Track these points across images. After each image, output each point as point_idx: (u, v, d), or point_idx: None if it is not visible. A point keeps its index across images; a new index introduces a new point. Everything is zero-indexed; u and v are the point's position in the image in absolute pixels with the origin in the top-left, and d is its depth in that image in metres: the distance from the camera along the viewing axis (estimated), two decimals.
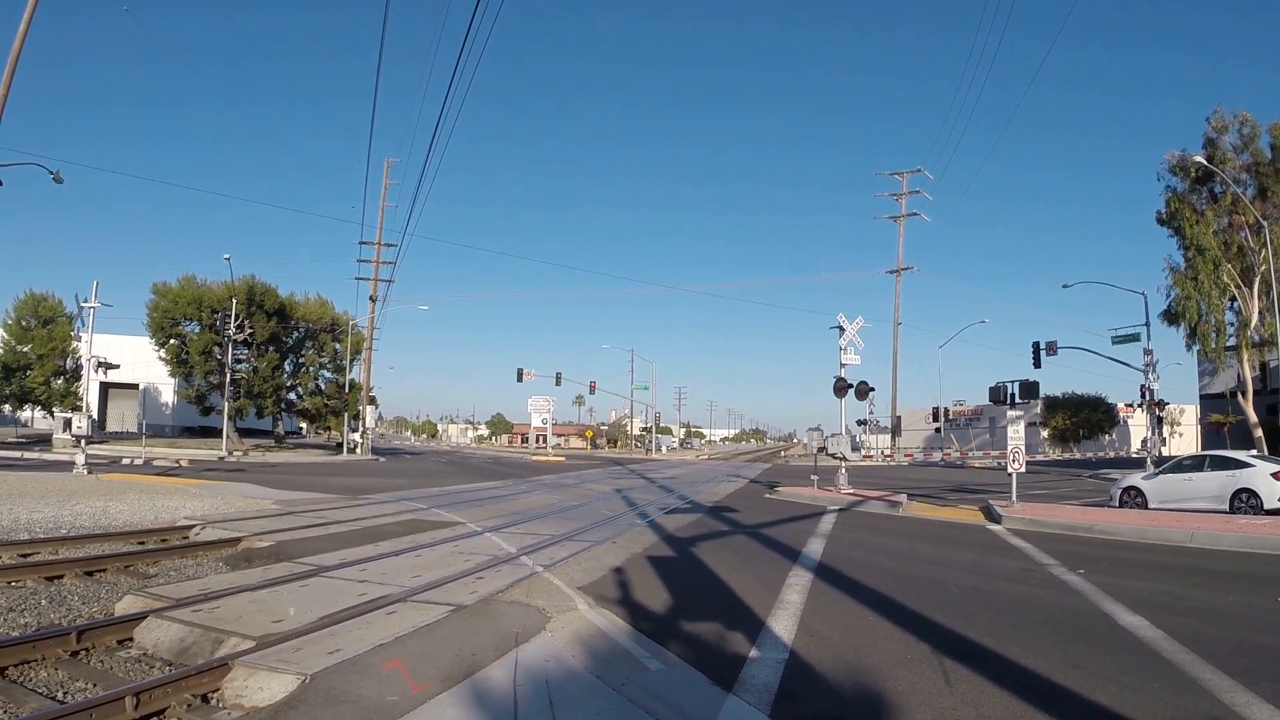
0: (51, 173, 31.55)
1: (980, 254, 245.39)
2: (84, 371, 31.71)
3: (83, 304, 33.63)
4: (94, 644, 7.55)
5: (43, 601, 9.32)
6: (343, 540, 14.21)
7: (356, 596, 9.23)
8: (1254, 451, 29.43)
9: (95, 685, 6.57)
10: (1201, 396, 70.50)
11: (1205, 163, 43.10)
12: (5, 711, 6.00)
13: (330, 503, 21.19)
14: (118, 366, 37.00)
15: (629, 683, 6.48)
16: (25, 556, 12.16)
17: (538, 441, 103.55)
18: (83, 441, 29.95)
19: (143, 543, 14.02)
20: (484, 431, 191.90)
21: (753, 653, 7.49)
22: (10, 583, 10.18)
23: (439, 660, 6.86)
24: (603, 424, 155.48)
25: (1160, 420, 44.36)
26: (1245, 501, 20.59)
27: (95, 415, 32.01)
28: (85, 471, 28.47)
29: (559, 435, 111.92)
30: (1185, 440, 75.64)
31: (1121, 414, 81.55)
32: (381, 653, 7.00)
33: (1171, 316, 47.89)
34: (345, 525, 16.47)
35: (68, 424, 31.60)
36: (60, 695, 6.39)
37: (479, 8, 13.03)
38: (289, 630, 7.56)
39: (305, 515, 17.87)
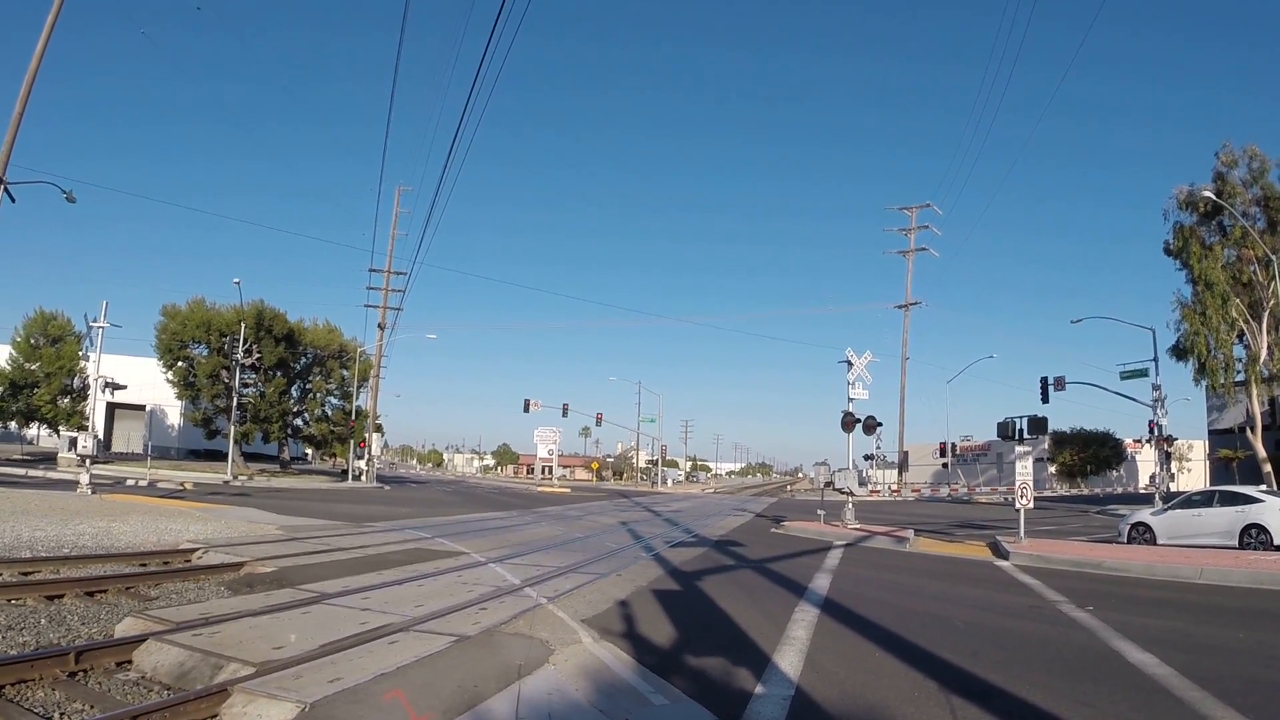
0: (64, 191, 31.77)
1: (989, 288, 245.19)
2: (91, 391, 31.76)
3: (92, 324, 33.88)
4: (92, 665, 7.48)
5: (42, 621, 9.27)
6: (346, 568, 14.17)
7: (359, 625, 9.15)
8: (1263, 487, 29.27)
9: (93, 707, 6.51)
10: (1210, 432, 70.24)
11: (1214, 197, 43.21)
12: None
13: (334, 530, 21.15)
14: (125, 387, 37.12)
15: (632, 718, 6.43)
16: (26, 575, 12.13)
17: (543, 472, 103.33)
18: (88, 461, 30.04)
19: (145, 565, 13.96)
20: (490, 461, 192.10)
21: (758, 689, 7.43)
22: (10, 601, 10.14)
23: (441, 691, 6.78)
24: (609, 456, 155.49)
25: (1168, 456, 44.15)
26: (1255, 537, 20.48)
27: (101, 435, 32.04)
28: (89, 491, 28.42)
29: (565, 466, 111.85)
30: (1194, 476, 75.33)
31: (1129, 449, 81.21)
32: (383, 682, 6.91)
33: (1180, 352, 47.88)
34: (349, 553, 16.41)
35: (73, 443, 31.79)
36: (56, 716, 6.35)
37: (491, 40, 13.12)
38: (290, 657, 7.49)
39: (309, 541, 17.83)
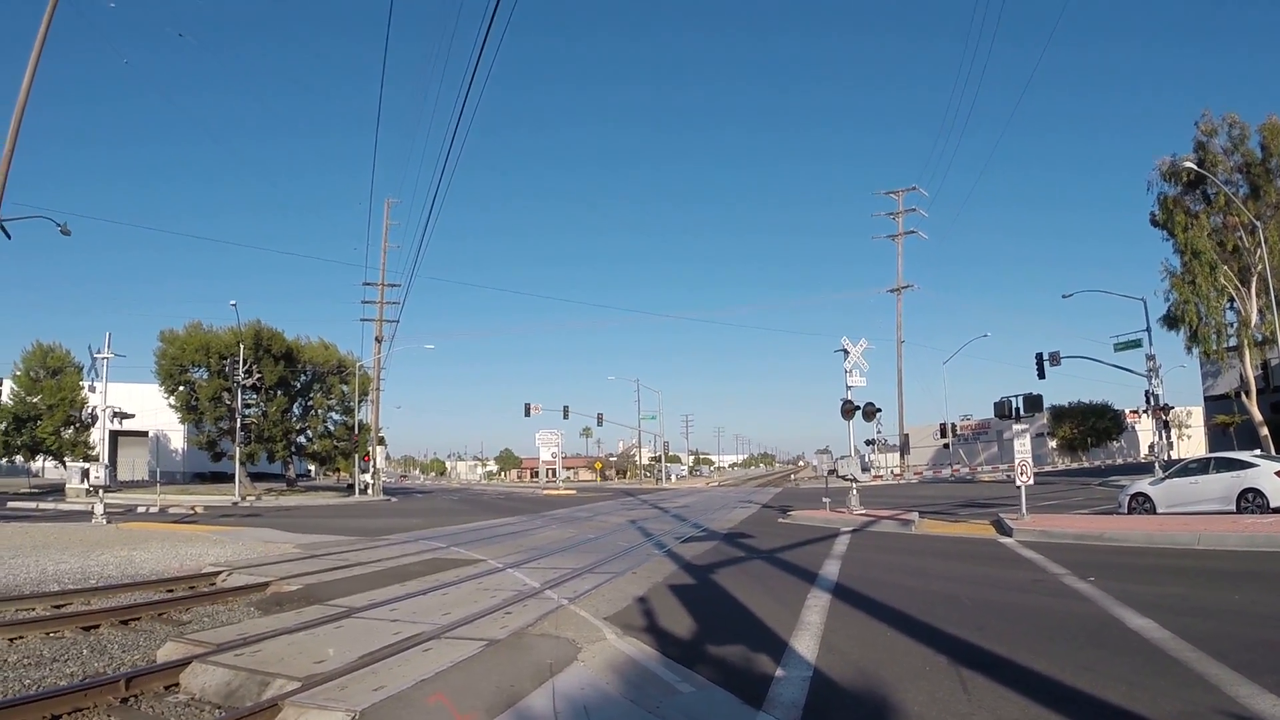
0: (59, 225, 32.07)
1: (979, 267, 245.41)
2: (101, 422, 32.06)
3: (96, 355, 34.10)
4: (142, 690, 7.68)
5: (84, 651, 9.45)
6: (369, 581, 14.38)
7: (391, 635, 9.39)
8: (1258, 451, 29.67)
9: None
10: (1206, 398, 70.62)
11: (1196, 167, 43.57)
12: None
13: (350, 545, 21.38)
14: (133, 416, 37.41)
15: (663, 706, 6.71)
16: (59, 608, 12.32)
17: (548, 475, 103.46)
18: (100, 491, 30.25)
19: (171, 590, 14.14)
20: (493, 467, 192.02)
21: (778, 672, 7.76)
22: (49, 634, 10.35)
23: (481, 692, 7.07)
24: (611, 455, 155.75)
25: (1166, 424, 44.45)
26: (1251, 501, 20.77)
27: (108, 464, 32.32)
28: (104, 521, 28.70)
29: (568, 468, 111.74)
30: (1193, 443, 75.59)
31: (1128, 420, 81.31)
32: (424, 687, 7.19)
33: (1171, 320, 48.24)
34: (369, 566, 16.66)
35: (85, 474, 31.99)
36: None
37: (482, 52, 13.40)
38: (332, 670, 7.74)
39: (328, 558, 18.04)
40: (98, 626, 10.91)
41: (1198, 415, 77.23)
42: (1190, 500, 22.11)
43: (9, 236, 31.25)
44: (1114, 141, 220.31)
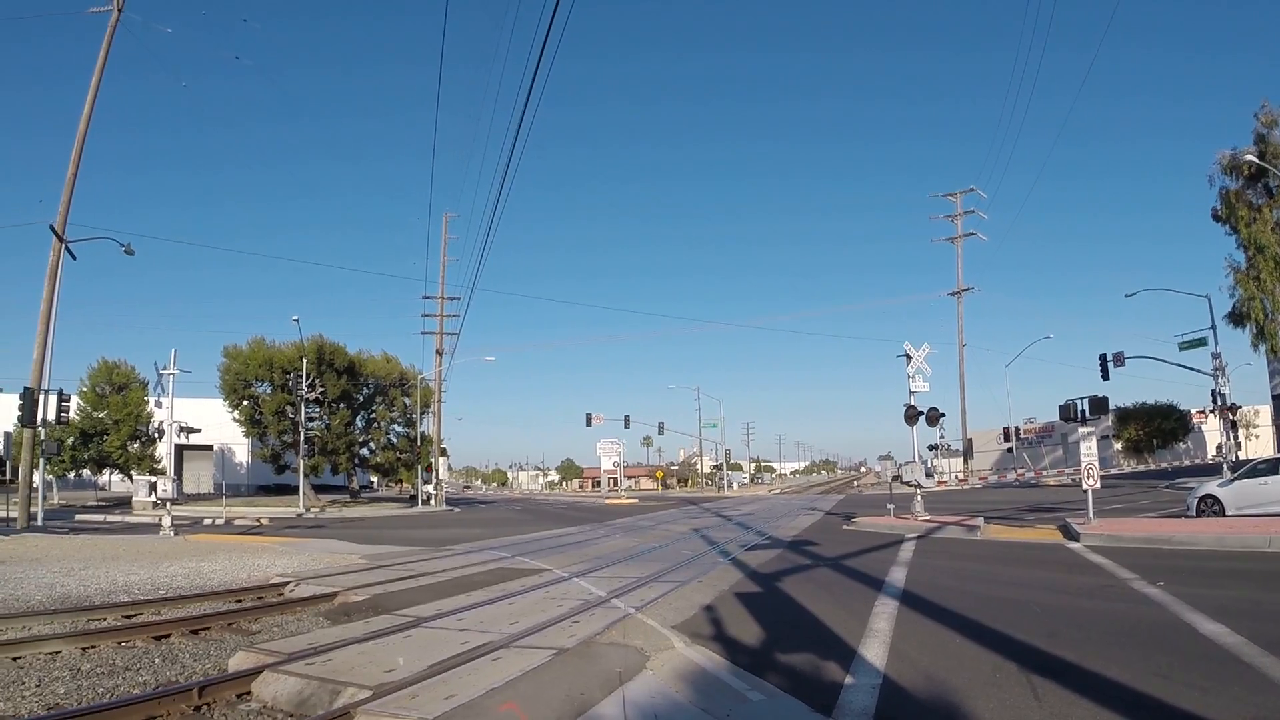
0: (122, 245, 32.99)
1: (1040, 269, 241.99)
2: (167, 436, 32.80)
3: (162, 370, 34.91)
4: (214, 699, 7.78)
5: (156, 660, 9.59)
6: (435, 591, 14.47)
7: (460, 645, 9.45)
8: None
9: None
10: (1274, 396, 68.98)
11: (1257, 160, 42.64)
12: None
13: (416, 555, 21.56)
14: (199, 430, 38.14)
15: (733, 713, 6.75)
16: (129, 618, 12.41)
17: (609, 484, 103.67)
18: (168, 504, 30.83)
19: (239, 601, 14.29)
20: (554, 477, 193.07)
21: (848, 679, 7.78)
22: (120, 643, 10.49)
23: (551, 700, 7.13)
24: (672, 463, 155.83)
25: (1234, 424, 43.65)
26: None
27: (175, 478, 33.04)
28: (172, 533, 29.10)
29: (629, 477, 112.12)
30: (1262, 443, 73.87)
31: (1195, 420, 79.83)
32: (495, 696, 7.24)
33: (1237, 317, 47.22)
34: (435, 576, 16.79)
35: (152, 487, 32.60)
36: None
37: (538, 68, 13.61)
38: (402, 679, 7.79)
39: (394, 568, 18.17)
40: (168, 636, 11.04)
41: (1265, 414, 75.32)
42: (1260, 502, 21.75)
43: (74, 257, 32.35)
44: (1173, 140, 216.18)
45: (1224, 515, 22.15)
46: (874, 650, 8.92)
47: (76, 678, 8.75)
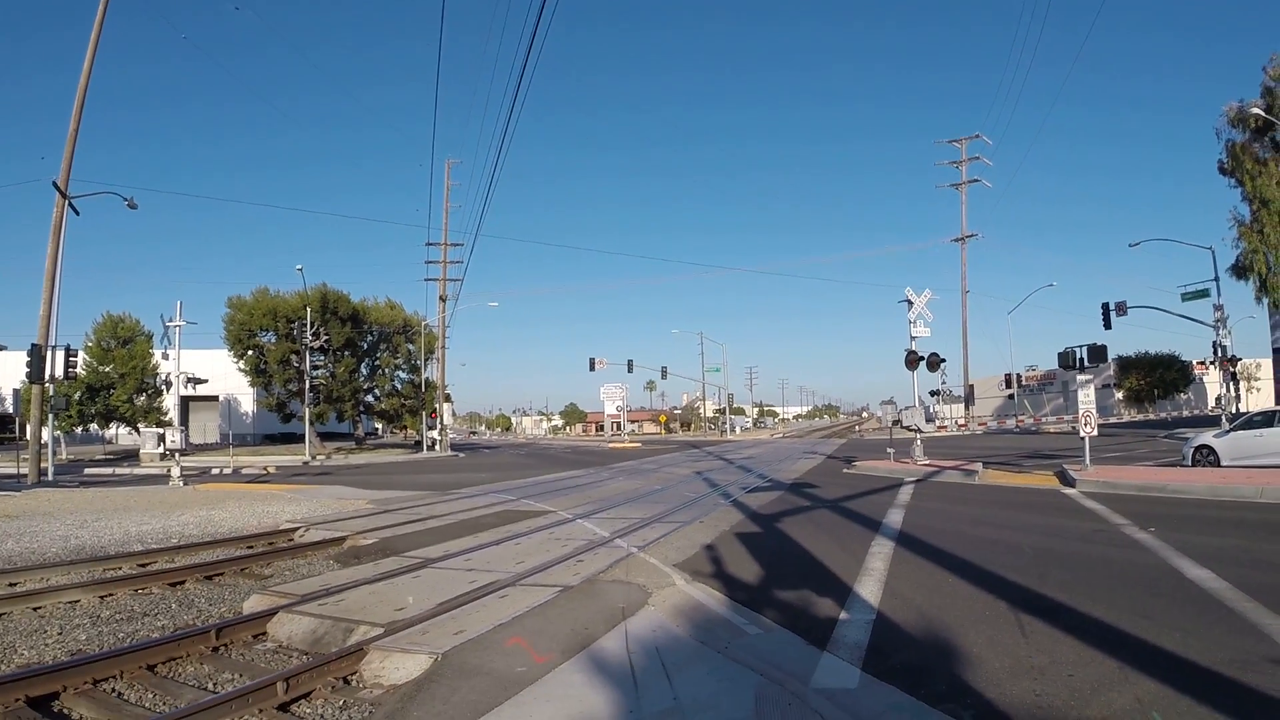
0: (125, 199, 33.01)
1: (1044, 217, 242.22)
2: (174, 388, 32.86)
3: (168, 323, 34.94)
4: (231, 640, 8.09)
5: (173, 605, 9.85)
6: (442, 534, 14.72)
7: (468, 584, 9.71)
8: None
9: (242, 675, 7.07)
10: (1275, 350, 69.09)
11: (1264, 113, 42.33)
12: (166, 703, 6.49)
13: (422, 499, 21.84)
14: (206, 381, 38.35)
15: (731, 647, 6.97)
16: (144, 566, 12.59)
17: (613, 429, 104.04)
18: (177, 455, 31.04)
19: (251, 547, 14.50)
20: (558, 422, 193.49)
21: (843, 615, 8.03)
22: (137, 590, 10.70)
23: (556, 635, 7.40)
24: (675, 408, 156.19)
25: (1235, 376, 43.72)
26: None
27: (183, 428, 33.15)
28: (181, 483, 29.30)
29: (633, 421, 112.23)
30: (1263, 395, 74.05)
31: (1196, 371, 80.00)
32: (502, 631, 7.53)
33: (1240, 270, 47.10)
34: (441, 519, 17.03)
35: (161, 439, 32.84)
36: (210, 686, 6.90)
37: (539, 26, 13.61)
38: (412, 616, 8.08)
39: (401, 512, 18.44)
40: (183, 582, 11.27)
41: (1267, 367, 75.19)
42: (1255, 453, 21.99)
43: (77, 213, 32.34)
44: (1181, 88, 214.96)
45: (1219, 465, 22.38)
46: (869, 588, 9.17)
47: (97, 624, 8.99)
